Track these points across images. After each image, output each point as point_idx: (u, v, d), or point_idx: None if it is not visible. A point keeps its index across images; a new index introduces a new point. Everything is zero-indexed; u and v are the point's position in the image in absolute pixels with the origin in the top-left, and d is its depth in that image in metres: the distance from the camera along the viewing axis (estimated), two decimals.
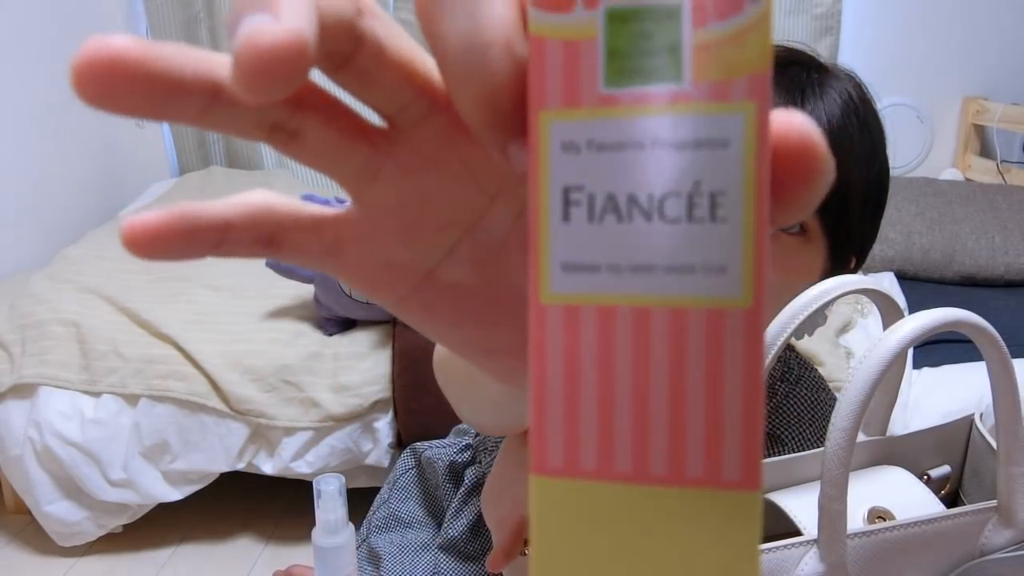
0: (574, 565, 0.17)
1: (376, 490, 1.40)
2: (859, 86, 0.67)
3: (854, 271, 0.74)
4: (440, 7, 0.18)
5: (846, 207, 0.64)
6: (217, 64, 0.18)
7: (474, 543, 0.97)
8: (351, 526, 0.79)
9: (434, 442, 1.11)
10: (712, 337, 0.16)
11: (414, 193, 0.23)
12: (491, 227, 0.24)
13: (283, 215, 0.22)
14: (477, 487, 0.96)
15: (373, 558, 1.09)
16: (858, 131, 0.64)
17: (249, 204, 0.22)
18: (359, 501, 1.59)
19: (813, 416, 0.77)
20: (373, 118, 0.22)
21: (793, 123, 0.17)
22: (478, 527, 0.96)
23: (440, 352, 0.56)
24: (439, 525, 1.03)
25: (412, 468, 1.13)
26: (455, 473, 1.02)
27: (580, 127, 0.17)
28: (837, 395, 1.47)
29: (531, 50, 0.17)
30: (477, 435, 1.00)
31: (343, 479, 0.78)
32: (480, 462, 1.00)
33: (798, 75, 0.64)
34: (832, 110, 0.63)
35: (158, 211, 0.21)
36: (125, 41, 0.17)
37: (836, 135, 0.62)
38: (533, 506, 0.17)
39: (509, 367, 0.26)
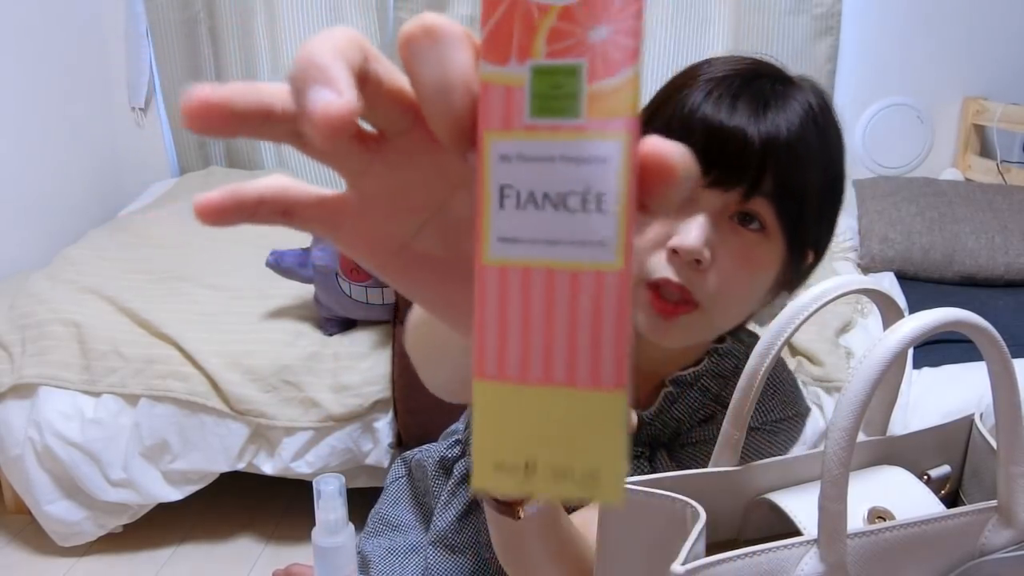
0: (502, 445, 0.25)
1: (376, 490, 1.40)
2: (821, 96, 0.73)
3: (813, 265, 0.78)
4: (418, 59, 0.27)
5: (803, 208, 0.69)
6: (267, 96, 0.28)
7: (461, 534, 0.98)
8: (351, 526, 0.79)
9: (424, 446, 1.12)
10: (596, 289, 0.24)
11: (396, 184, 0.31)
12: (452, 211, 0.32)
13: (297, 194, 0.31)
14: (466, 478, 0.97)
15: (363, 564, 1.09)
16: (816, 139, 0.69)
17: (274, 185, 0.31)
18: (359, 501, 1.58)
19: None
20: (367, 126, 0.30)
21: (659, 147, 0.25)
22: (466, 517, 0.96)
23: (412, 321, 0.64)
24: (428, 527, 1.04)
25: (403, 477, 1.14)
26: (445, 467, 1.03)
27: (512, 144, 0.25)
28: (837, 395, 1.50)
29: (481, 90, 0.25)
30: (467, 429, 1.00)
31: (343, 479, 0.78)
32: (469, 455, 1.01)
33: (762, 87, 0.70)
34: (792, 119, 0.68)
35: (219, 190, 0.31)
36: (210, 90, 0.27)
37: (794, 143, 0.67)
38: (475, 402, 0.25)
39: (464, 318, 0.32)
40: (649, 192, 0.25)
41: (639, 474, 0.81)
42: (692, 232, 0.67)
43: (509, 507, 0.61)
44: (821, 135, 0.71)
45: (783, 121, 0.68)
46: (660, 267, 0.69)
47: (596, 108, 0.24)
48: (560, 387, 0.25)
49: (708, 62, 0.73)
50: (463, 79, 0.26)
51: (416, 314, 0.64)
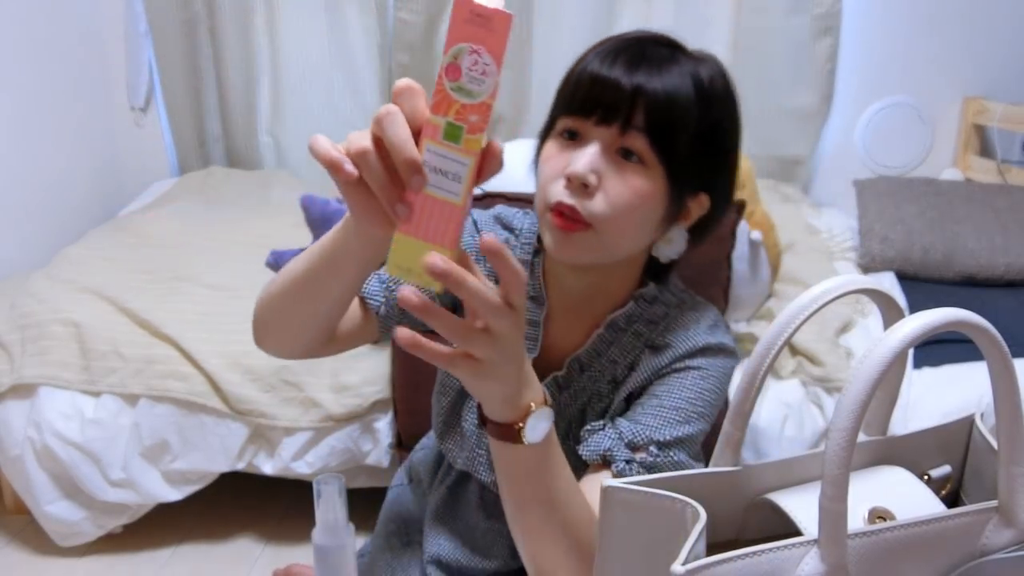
0: (401, 259, 0.60)
1: (376, 490, 1.40)
2: (714, 68, 0.88)
3: (716, 213, 0.92)
4: (383, 130, 0.59)
5: (673, 144, 0.84)
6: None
7: (451, 508, 1.04)
8: (351, 526, 0.79)
9: (423, 441, 1.17)
10: (452, 209, 0.59)
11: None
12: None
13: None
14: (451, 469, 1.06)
15: (368, 565, 1.11)
16: (691, 96, 0.84)
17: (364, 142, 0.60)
18: (359, 501, 1.58)
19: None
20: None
21: (493, 147, 0.59)
22: (455, 492, 1.04)
23: (270, 289, 0.86)
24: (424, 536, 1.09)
25: (405, 484, 1.17)
26: (439, 456, 1.09)
27: (433, 148, 0.58)
28: (837, 395, 1.51)
29: (426, 124, 0.58)
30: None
31: (343, 479, 0.78)
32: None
33: (642, 49, 0.85)
34: (663, 73, 0.83)
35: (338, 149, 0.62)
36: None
37: (662, 90, 0.83)
38: (394, 240, 0.60)
39: (378, 218, 0.63)
40: (484, 172, 0.59)
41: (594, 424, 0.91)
42: (581, 161, 0.83)
43: (510, 430, 0.72)
44: (699, 92, 0.84)
45: (654, 72, 0.83)
46: (558, 192, 0.84)
47: (466, 143, 0.58)
48: (425, 241, 0.59)
49: (614, 36, 0.89)
50: (409, 151, 0.58)
51: (277, 284, 0.85)
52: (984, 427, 0.70)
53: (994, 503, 0.60)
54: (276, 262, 1.73)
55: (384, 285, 0.96)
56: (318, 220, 1.67)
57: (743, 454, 0.67)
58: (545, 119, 0.92)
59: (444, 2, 2.68)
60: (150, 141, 2.88)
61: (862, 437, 0.70)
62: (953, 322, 0.55)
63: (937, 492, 0.66)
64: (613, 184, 0.83)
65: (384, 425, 1.71)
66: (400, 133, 0.57)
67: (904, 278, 2.07)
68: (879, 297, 0.66)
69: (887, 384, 0.70)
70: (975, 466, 0.70)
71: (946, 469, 0.70)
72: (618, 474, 0.86)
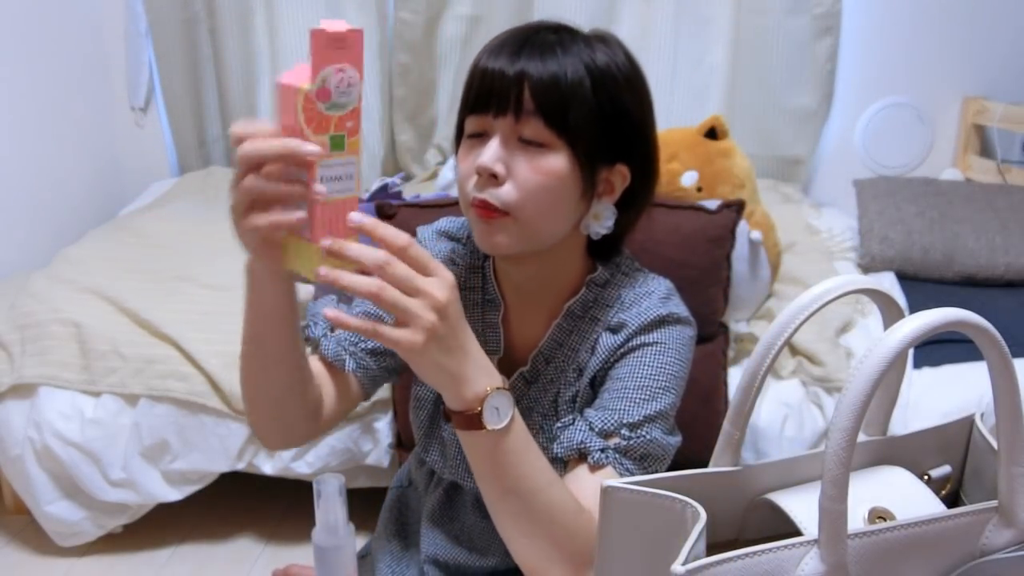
0: (299, 258, 0.73)
1: (376, 490, 1.40)
2: (610, 46, 0.91)
3: (644, 184, 0.94)
4: (256, 153, 0.70)
5: (567, 122, 0.86)
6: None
7: (446, 510, 1.06)
8: (351, 526, 0.79)
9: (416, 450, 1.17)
10: (350, 201, 0.71)
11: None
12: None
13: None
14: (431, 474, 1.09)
15: (371, 565, 1.12)
16: (582, 75, 0.86)
17: None
18: (359, 501, 1.58)
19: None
20: None
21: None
22: (450, 494, 1.05)
23: (241, 383, 0.91)
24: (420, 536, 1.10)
25: (405, 485, 1.19)
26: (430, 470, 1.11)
27: (326, 161, 0.69)
28: (837, 395, 1.53)
29: (309, 155, 0.70)
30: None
31: (343, 479, 0.78)
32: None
33: (527, 39, 0.88)
34: (555, 60, 0.86)
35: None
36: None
37: (552, 75, 0.86)
38: (288, 245, 0.74)
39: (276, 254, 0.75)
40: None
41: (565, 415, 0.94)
42: (486, 153, 0.86)
43: (471, 418, 0.77)
44: (592, 70, 0.87)
45: (535, 57, 0.86)
46: (473, 187, 0.88)
47: (349, 146, 0.70)
48: (328, 235, 0.69)
49: (505, 31, 0.93)
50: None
51: (241, 358, 0.87)
52: (984, 427, 0.70)
53: (994, 503, 0.60)
54: None
55: (340, 345, 0.98)
56: None
57: (743, 454, 0.67)
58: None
59: (444, 2, 2.68)
60: (150, 141, 2.88)
61: (862, 437, 0.70)
62: (953, 322, 0.55)
63: (937, 492, 0.66)
64: (520, 170, 0.86)
65: (384, 425, 1.71)
66: (269, 142, 0.69)
67: (904, 278, 2.07)
68: (879, 297, 0.66)
69: (887, 384, 0.70)
70: (975, 466, 0.70)
71: (946, 469, 0.70)
72: (595, 464, 0.88)
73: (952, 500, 0.71)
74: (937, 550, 0.58)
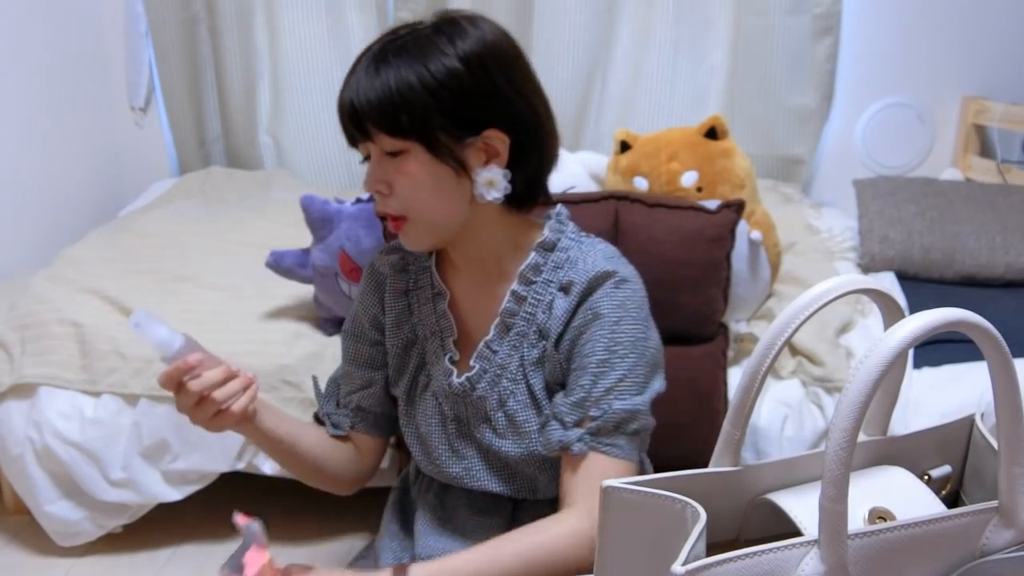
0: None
1: (376, 490, 1.40)
2: (455, 34, 0.94)
3: (527, 140, 0.98)
4: (195, 388, 0.95)
5: (400, 124, 0.93)
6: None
7: (440, 510, 1.11)
8: (177, 332, 0.95)
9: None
10: None
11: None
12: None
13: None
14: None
15: (374, 564, 1.13)
16: (415, 77, 0.92)
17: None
18: (359, 501, 1.58)
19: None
20: None
21: None
22: (441, 496, 1.12)
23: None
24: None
25: (406, 487, 1.22)
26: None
27: None
28: (837, 395, 1.54)
29: None
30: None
31: (143, 310, 0.92)
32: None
33: (379, 55, 0.94)
34: (397, 67, 0.92)
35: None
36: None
37: (391, 89, 0.92)
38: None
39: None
40: None
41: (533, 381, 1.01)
42: (366, 180, 0.98)
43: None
44: (418, 69, 0.92)
45: (364, 80, 0.94)
46: (377, 204, 0.99)
47: None
48: None
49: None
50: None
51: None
52: (984, 427, 0.70)
53: (994, 503, 0.60)
54: (276, 262, 1.73)
55: (338, 414, 1.15)
56: (318, 220, 1.67)
57: (743, 454, 0.67)
58: None
59: (444, 2, 2.68)
60: (150, 141, 2.88)
61: (862, 437, 0.70)
62: (953, 322, 0.55)
63: (937, 492, 0.66)
64: (396, 181, 0.96)
65: None
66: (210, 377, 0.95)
67: (904, 278, 2.07)
68: (879, 297, 0.66)
69: (887, 384, 0.70)
70: (975, 466, 0.70)
71: (946, 469, 0.70)
72: (578, 455, 0.96)
73: (952, 500, 0.71)
74: (937, 550, 0.58)
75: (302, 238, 1.76)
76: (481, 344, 1.04)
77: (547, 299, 1.01)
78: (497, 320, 1.03)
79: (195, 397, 0.93)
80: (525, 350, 1.02)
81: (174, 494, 1.70)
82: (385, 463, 1.73)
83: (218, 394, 0.93)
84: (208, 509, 1.82)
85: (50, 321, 1.71)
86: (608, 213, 1.45)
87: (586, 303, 0.98)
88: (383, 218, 1.01)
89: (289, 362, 1.66)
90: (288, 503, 1.89)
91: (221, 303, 1.81)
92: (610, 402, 0.96)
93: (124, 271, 1.93)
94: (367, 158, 0.99)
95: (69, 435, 1.64)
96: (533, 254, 1.02)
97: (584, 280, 0.99)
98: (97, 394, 1.67)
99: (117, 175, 2.85)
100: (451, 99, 0.93)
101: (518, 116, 0.98)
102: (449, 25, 0.96)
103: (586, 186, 1.82)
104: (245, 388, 0.97)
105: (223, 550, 1.75)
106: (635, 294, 1.00)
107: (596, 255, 1.01)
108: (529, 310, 1.02)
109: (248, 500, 1.87)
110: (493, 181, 0.97)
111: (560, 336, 1.00)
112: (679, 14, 2.67)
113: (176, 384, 0.93)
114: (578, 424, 0.97)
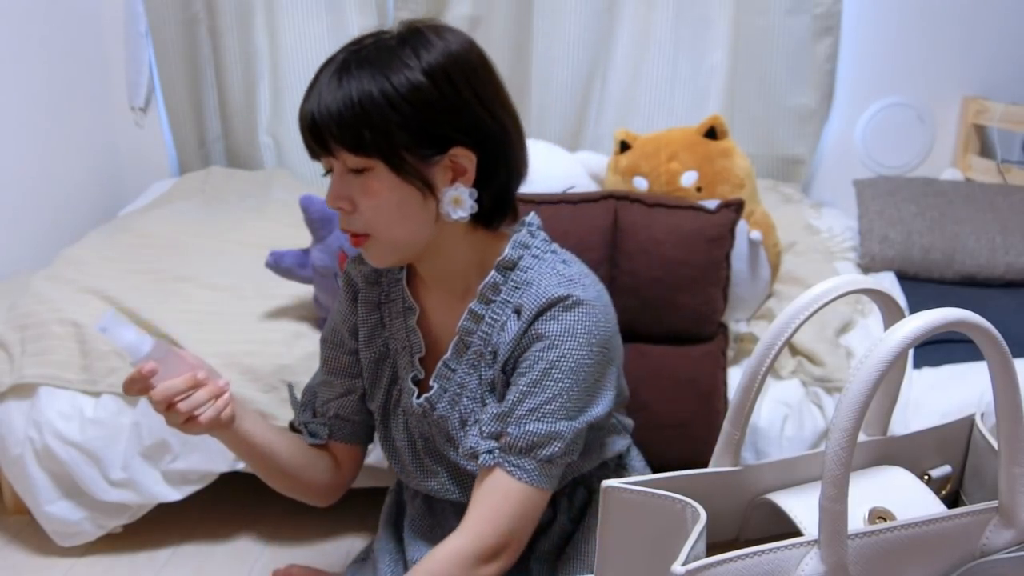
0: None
1: (376, 490, 1.40)
2: (422, 47, 0.92)
3: (494, 159, 0.96)
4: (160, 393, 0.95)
5: (362, 142, 0.90)
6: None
7: (428, 516, 1.11)
8: (148, 336, 0.95)
9: None
10: None
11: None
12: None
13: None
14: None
15: (372, 566, 1.13)
16: (379, 93, 0.89)
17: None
18: (359, 501, 1.58)
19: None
20: None
21: None
22: (429, 502, 1.12)
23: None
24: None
25: (401, 490, 1.20)
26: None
27: None
28: (837, 395, 1.55)
29: None
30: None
31: (112, 311, 0.92)
32: None
33: (341, 67, 0.91)
34: (360, 81, 0.90)
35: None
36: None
37: (354, 104, 0.89)
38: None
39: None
40: None
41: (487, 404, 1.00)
42: (328, 196, 0.96)
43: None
44: (381, 84, 0.90)
45: (326, 93, 0.91)
46: (340, 219, 0.97)
47: None
48: None
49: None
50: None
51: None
52: (984, 427, 0.70)
53: (994, 503, 0.60)
54: (276, 262, 1.73)
55: (315, 423, 1.15)
56: (318, 220, 1.67)
57: (743, 454, 0.67)
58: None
59: (444, 2, 2.68)
60: (150, 141, 2.87)
61: (862, 437, 0.70)
62: (953, 322, 0.55)
63: (937, 492, 0.66)
64: (359, 198, 0.94)
65: None
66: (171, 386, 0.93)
67: (904, 278, 2.07)
68: (879, 297, 0.66)
69: (887, 384, 0.70)
70: (975, 466, 0.70)
71: (946, 469, 0.70)
72: (485, 467, 0.96)
73: (952, 500, 0.71)
74: (937, 550, 0.58)
75: (302, 238, 1.76)
76: (440, 363, 1.03)
77: (502, 320, 0.99)
78: (456, 339, 1.02)
79: (163, 404, 0.92)
80: (483, 370, 1.00)
81: (174, 494, 1.70)
82: (385, 463, 1.73)
83: (183, 405, 0.92)
84: (208, 509, 1.82)
85: (50, 321, 1.71)
86: (608, 213, 1.45)
87: (533, 326, 0.96)
88: (346, 232, 0.99)
89: (289, 362, 1.66)
90: (288, 503, 1.88)
91: (221, 303, 1.81)
92: (528, 422, 0.93)
93: (124, 271, 1.93)
94: (329, 171, 0.97)
95: (69, 435, 1.64)
96: (493, 272, 1.00)
97: (534, 305, 0.96)
98: (97, 394, 1.67)
99: (117, 175, 2.85)
100: (415, 114, 0.91)
101: (486, 132, 0.95)
102: (413, 36, 0.93)
103: (586, 186, 1.82)
104: (216, 396, 0.94)
105: (223, 550, 1.76)
106: (586, 317, 0.95)
107: (552, 278, 0.97)
108: (486, 330, 1.00)
109: (248, 500, 1.88)
110: (459, 200, 0.95)
111: (507, 359, 0.98)
112: (679, 14, 2.67)
113: (141, 389, 0.92)
114: (495, 436, 0.95)
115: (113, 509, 1.70)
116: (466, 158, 0.94)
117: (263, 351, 1.67)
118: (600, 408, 0.97)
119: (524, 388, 0.94)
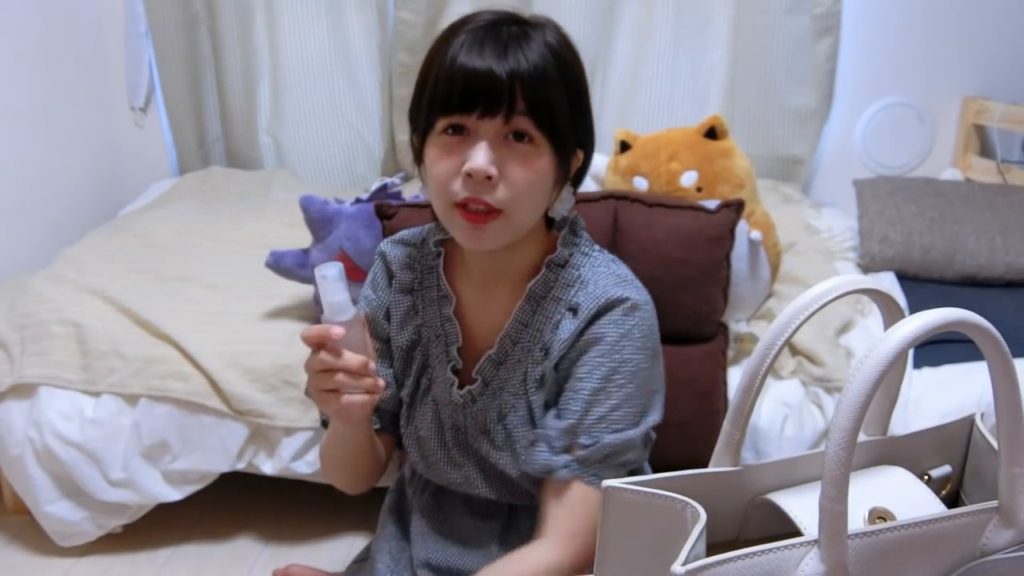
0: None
1: (376, 490, 1.40)
2: (557, 32, 0.93)
3: (587, 162, 0.99)
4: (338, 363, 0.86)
5: (554, 119, 0.89)
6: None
7: (436, 512, 1.10)
8: (355, 308, 0.88)
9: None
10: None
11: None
12: None
13: None
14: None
15: (371, 565, 1.13)
16: (554, 65, 0.89)
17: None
18: (359, 501, 1.58)
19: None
20: None
21: None
22: (438, 497, 1.10)
23: (322, 451, 1.10)
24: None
25: (403, 488, 1.20)
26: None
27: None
28: (837, 395, 1.56)
29: None
30: None
31: (341, 265, 0.85)
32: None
33: (501, 32, 0.88)
34: (530, 53, 0.87)
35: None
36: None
37: (534, 71, 0.87)
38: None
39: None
40: None
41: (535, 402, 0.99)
42: (479, 157, 0.87)
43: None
44: (558, 60, 0.90)
45: (522, 56, 0.87)
46: (460, 190, 0.89)
47: None
48: None
49: (462, 20, 0.92)
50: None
51: (324, 463, 1.10)
52: (984, 427, 0.70)
53: (994, 503, 0.60)
54: (276, 262, 1.73)
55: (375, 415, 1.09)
56: (318, 220, 1.67)
57: (743, 454, 0.67)
58: (421, 119, 0.96)
59: (444, 2, 2.68)
60: (150, 141, 2.87)
61: (862, 437, 0.70)
62: (953, 322, 0.55)
63: (937, 492, 0.66)
64: (511, 169, 0.89)
65: None
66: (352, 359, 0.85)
67: (904, 278, 2.07)
68: (879, 297, 0.66)
69: (887, 384, 0.70)
70: (975, 466, 0.70)
71: (946, 469, 0.70)
72: (562, 482, 0.94)
73: (952, 500, 0.71)
74: (937, 550, 0.58)
75: (302, 238, 1.76)
76: (484, 358, 1.01)
77: (555, 318, 0.98)
78: (503, 334, 1.00)
79: (326, 365, 0.85)
80: (529, 367, 0.99)
81: (174, 494, 1.70)
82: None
83: (340, 377, 0.85)
84: (208, 509, 1.82)
85: (50, 321, 1.71)
86: (608, 213, 1.45)
87: (591, 327, 0.95)
88: (463, 205, 0.90)
89: (289, 362, 1.66)
90: (288, 503, 1.89)
91: (221, 303, 1.81)
92: (602, 432, 0.93)
93: (124, 271, 1.93)
94: (456, 129, 0.90)
95: (69, 435, 1.64)
96: (544, 270, 0.99)
97: (592, 305, 0.95)
98: (97, 394, 1.67)
99: (117, 175, 2.85)
100: (580, 105, 0.94)
101: (593, 140, 0.99)
102: (554, 29, 0.94)
103: (586, 186, 1.82)
104: (368, 392, 0.88)
105: (223, 550, 1.76)
106: (643, 322, 0.96)
107: (608, 278, 0.97)
108: (537, 327, 0.99)
109: (248, 500, 1.88)
110: (566, 198, 0.97)
111: (561, 358, 0.97)
112: (679, 13, 2.67)
113: (318, 345, 0.85)
114: (566, 450, 0.94)
115: (113, 509, 1.70)
116: (577, 161, 0.97)
117: (263, 351, 1.67)
118: (657, 414, 0.98)
119: (588, 397, 0.93)
